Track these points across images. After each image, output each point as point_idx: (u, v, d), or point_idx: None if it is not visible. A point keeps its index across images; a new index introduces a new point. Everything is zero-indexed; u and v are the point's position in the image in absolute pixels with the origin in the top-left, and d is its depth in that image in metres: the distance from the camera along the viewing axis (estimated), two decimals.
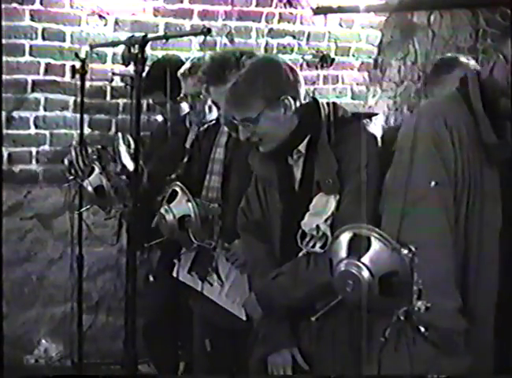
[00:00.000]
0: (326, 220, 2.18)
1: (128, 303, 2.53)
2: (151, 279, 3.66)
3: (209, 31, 2.25)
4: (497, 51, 1.93)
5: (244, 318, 2.66)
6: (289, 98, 2.27)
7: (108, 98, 4.04)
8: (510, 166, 1.95)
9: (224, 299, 2.79)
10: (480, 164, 1.96)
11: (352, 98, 4.58)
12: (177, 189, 2.77)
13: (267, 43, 4.25)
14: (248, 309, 2.50)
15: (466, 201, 1.94)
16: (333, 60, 4.27)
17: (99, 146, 3.43)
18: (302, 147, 2.30)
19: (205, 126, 3.05)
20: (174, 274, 2.97)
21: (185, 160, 3.12)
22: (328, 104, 2.36)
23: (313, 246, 2.21)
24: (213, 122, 3.00)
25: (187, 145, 3.21)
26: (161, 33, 3.88)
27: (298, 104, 2.29)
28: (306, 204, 2.25)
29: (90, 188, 3.26)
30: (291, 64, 2.35)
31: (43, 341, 4.12)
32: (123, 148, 3.18)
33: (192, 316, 3.06)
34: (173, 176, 2.99)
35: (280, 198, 2.38)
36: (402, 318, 1.62)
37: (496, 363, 2.00)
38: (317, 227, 2.17)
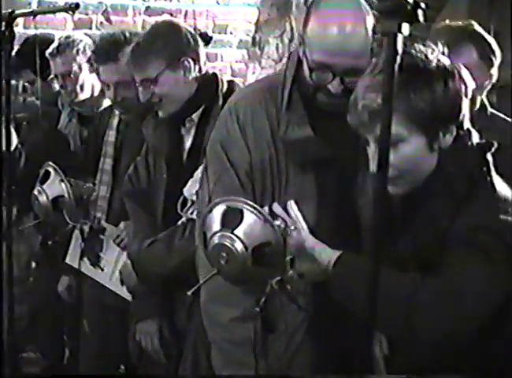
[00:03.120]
0: None
1: (6, 291, 2.45)
2: (33, 265, 3.57)
3: (77, 6, 2.18)
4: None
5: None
6: (189, 59, 2.33)
7: None
8: (325, 164, 1.85)
9: (115, 283, 2.74)
10: (286, 162, 1.88)
11: (232, 76, 4.59)
12: (50, 169, 2.72)
13: (144, 21, 4.20)
14: (124, 277, 2.51)
15: (271, 200, 1.85)
16: (211, 38, 4.28)
17: None
18: (195, 116, 2.35)
19: (102, 108, 3.03)
20: (68, 260, 2.92)
21: (79, 144, 3.10)
22: (227, 81, 2.45)
23: (192, 213, 2.23)
24: (109, 104, 2.96)
25: (60, 126, 3.16)
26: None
27: (198, 68, 2.35)
28: (192, 174, 2.27)
29: None
30: (191, 29, 2.41)
31: None
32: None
33: (78, 301, 3.02)
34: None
35: (166, 168, 2.41)
36: (276, 287, 1.66)
37: None
38: (197, 193, 2.18)
